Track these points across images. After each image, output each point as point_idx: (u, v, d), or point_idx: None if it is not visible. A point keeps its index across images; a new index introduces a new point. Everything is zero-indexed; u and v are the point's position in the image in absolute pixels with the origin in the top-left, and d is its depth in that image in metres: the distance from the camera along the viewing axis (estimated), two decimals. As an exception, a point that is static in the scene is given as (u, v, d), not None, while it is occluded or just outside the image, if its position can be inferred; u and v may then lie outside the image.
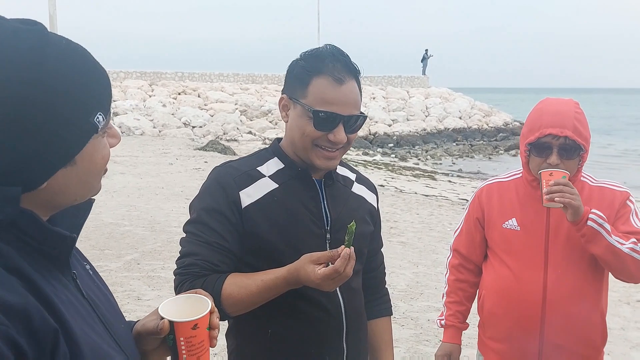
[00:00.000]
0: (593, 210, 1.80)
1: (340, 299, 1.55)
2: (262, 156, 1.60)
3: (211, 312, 1.06)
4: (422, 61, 34.22)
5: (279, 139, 1.63)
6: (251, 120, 22.97)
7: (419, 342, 4.31)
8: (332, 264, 1.33)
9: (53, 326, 0.79)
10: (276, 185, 1.53)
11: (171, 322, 1.01)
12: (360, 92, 1.54)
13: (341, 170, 1.68)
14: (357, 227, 1.39)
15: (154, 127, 20.97)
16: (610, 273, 1.93)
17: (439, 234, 7.90)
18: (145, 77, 25.36)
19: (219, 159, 13.83)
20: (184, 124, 21.62)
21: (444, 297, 2.22)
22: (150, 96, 23.51)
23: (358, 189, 1.70)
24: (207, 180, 1.54)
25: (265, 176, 1.53)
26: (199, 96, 24.32)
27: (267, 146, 1.65)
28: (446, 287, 2.22)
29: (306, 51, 1.55)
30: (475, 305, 2.20)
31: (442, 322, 2.19)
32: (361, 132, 23.55)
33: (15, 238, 0.82)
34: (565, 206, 1.78)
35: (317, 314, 1.52)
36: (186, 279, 1.43)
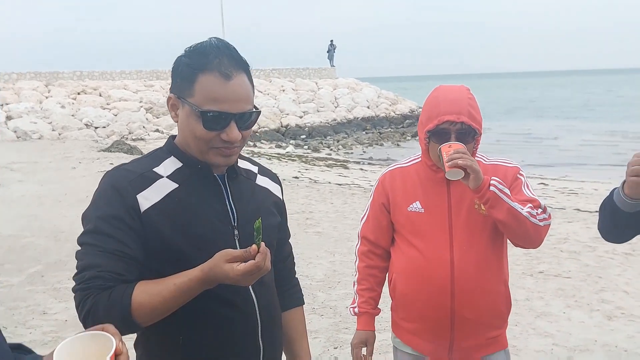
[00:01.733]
0: (493, 177, 1.91)
1: (253, 295, 1.51)
2: (157, 156, 1.52)
3: (117, 355, 0.93)
4: (327, 52, 34.58)
5: (173, 137, 1.56)
6: (158, 118, 22.22)
7: (339, 331, 4.39)
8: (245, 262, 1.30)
9: None
10: (176, 185, 1.46)
11: None
12: (252, 85, 1.48)
13: (243, 164, 1.64)
14: (264, 220, 1.37)
15: (53, 130, 19.78)
16: (510, 241, 2.05)
17: (353, 221, 8.05)
18: (41, 78, 23.81)
19: (125, 160, 13.20)
20: (86, 125, 20.55)
21: (355, 285, 2.26)
22: (47, 97, 22.13)
23: (262, 180, 1.67)
24: (100, 186, 1.45)
25: (162, 177, 1.46)
26: (100, 95, 23.19)
27: (161, 146, 1.58)
28: (356, 275, 2.27)
29: (190, 46, 1.46)
30: (386, 289, 2.26)
31: (355, 309, 2.24)
32: (273, 125, 23.48)
33: None
34: (467, 174, 1.86)
35: (230, 313, 1.47)
36: (88, 294, 1.32)
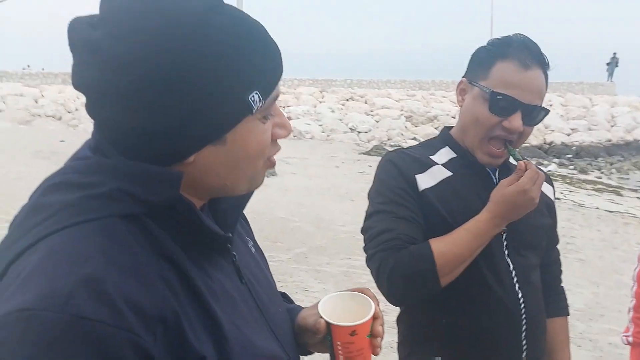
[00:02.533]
0: None
1: (520, 294, 1.46)
2: (432, 145, 1.56)
3: (374, 318, 0.96)
4: (607, 65, 31.16)
5: (448, 127, 1.59)
6: (416, 127, 22.82)
7: (600, 367, 3.91)
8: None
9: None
10: (450, 174, 1.48)
11: (328, 323, 0.94)
12: (547, 86, 1.46)
13: (514, 160, 1.57)
14: (535, 220, 1.43)
15: (323, 132, 21.79)
16: None
17: (624, 253, 7.09)
18: (317, 85, 26.50)
19: (383, 164, 13.91)
20: (351, 129, 22.16)
21: (630, 312, 1.97)
22: (320, 102, 24.51)
23: None
24: (381, 165, 1.52)
25: (438, 164, 1.49)
26: (365, 102, 24.78)
27: (436, 136, 1.62)
28: (633, 301, 1.97)
29: (495, 38, 1.50)
30: None
31: (629, 338, 1.95)
32: (535, 141, 22.10)
33: (171, 224, 0.76)
34: None
35: (495, 307, 1.45)
36: (390, 253, 1.37)
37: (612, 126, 25.18)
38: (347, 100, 24.99)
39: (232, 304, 0.82)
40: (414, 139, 21.71)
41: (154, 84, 0.69)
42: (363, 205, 1.57)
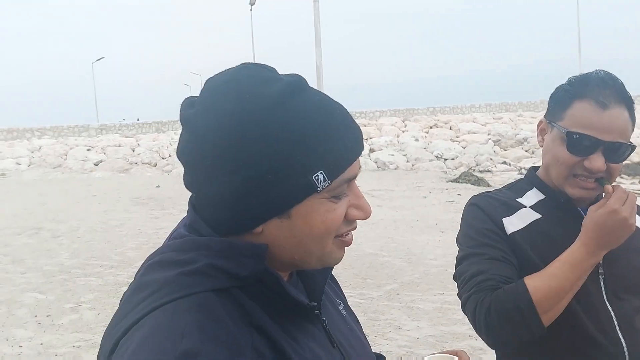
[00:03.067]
0: None
1: (623, 341, 1.38)
2: (519, 187, 1.54)
3: None
4: None
5: (534, 168, 1.57)
6: (505, 150, 22.09)
7: None
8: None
9: None
10: (539, 216, 1.45)
11: None
12: (634, 122, 1.42)
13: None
14: (632, 260, 1.40)
15: (407, 162, 21.61)
16: None
17: None
18: (399, 114, 26.48)
19: (472, 191, 13.49)
20: (436, 157, 21.82)
21: None
22: (403, 132, 24.44)
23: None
24: (467, 209, 1.52)
25: (526, 206, 1.47)
26: (450, 129, 24.38)
27: (522, 176, 1.59)
28: None
29: (575, 76, 1.48)
30: None
31: None
32: (637, 158, 20.66)
33: (260, 295, 0.82)
34: None
35: (597, 356, 1.38)
36: (485, 295, 1.34)
37: None
38: (431, 127, 24.73)
39: None
40: (504, 162, 20.99)
41: (223, 154, 0.79)
42: (453, 236, 1.56)
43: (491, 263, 1.38)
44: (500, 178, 17.66)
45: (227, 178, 0.79)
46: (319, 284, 0.93)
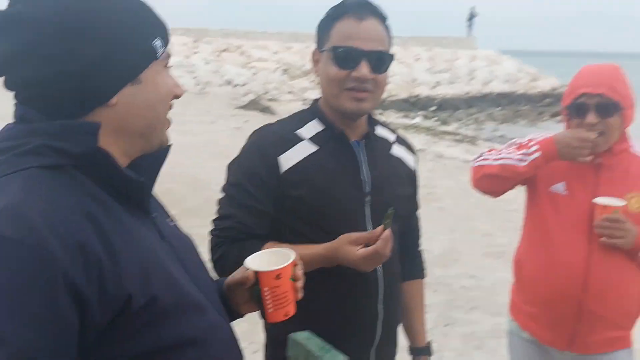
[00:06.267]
0: None
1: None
2: (302, 118, 1.59)
3: (295, 264, 1.11)
4: (468, 20, 33.02)
5: (317, 99, 1.63)
6: (293, 80, 22.88)
7: (451, 309, 4.37)
8: (369, 244, 1.36)
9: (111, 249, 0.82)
10: (315, 148, 1.52)
11: (256, 273, 1.08)
12: (390, 36, 1.53)
13: (380, 132, 1.65)
14: (395, 189, 1.48)
15: (197, 85, 21.15)
16: None
17: (477, 200, 7.75)
18: (190, 34, 25.40)
19: (259, 119, 13.93)
20: (227, 82, 21.73)
21: (502, 152, 2.03)
22: (194, 53, 23.63)
23: (397, 150, 1.68)
24: (246, 144, 1.57)
25: (304, 139, 1.53)
26: (242, 54, 24.29)
27: (307, 107, 1.65)
28: (499, 161, 2.01)
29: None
30: (509, 269, 2.20)
31: (533, 155, 1.92)
32: (403, 94, 23.19)
33: (96, 175, 0.87)
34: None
35: (353, 277, 1.49)
36: (222, 242, 1.48)
37: (470, 79, 27.07)
38: (223, 51, 24.32)
39: (156, 251, 0.91)
40: (290, 92, 21.80)
41: (65, 34, 0.83)
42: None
43: (239, 210, 1.48)
44: (285, 107, 18.39)
45: (76, 54, 0.83)
46: (151, 171, 0.97)
